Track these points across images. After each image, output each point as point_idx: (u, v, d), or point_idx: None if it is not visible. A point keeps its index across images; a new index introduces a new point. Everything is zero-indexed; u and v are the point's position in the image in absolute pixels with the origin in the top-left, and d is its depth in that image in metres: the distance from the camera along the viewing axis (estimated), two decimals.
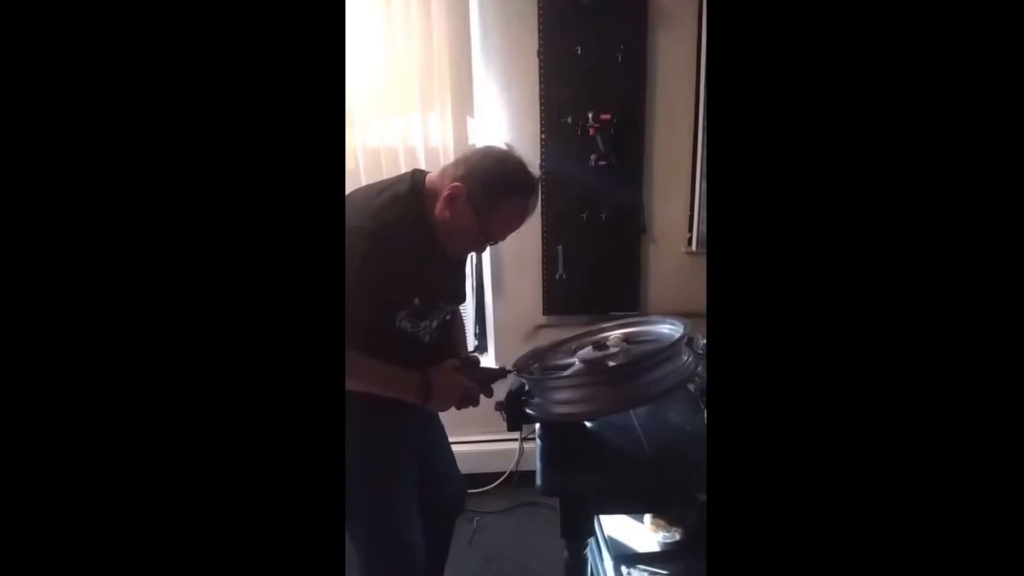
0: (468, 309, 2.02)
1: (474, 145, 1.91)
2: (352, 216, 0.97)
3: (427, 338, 1.12)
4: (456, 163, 1.05)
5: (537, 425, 1.11)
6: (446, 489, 1.33)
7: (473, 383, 1.08)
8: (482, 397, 1.11)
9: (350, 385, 0.94)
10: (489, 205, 1.01)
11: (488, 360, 2.09)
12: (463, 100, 1.90)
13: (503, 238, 1.07)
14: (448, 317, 1.19)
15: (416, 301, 1.05)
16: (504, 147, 1.09)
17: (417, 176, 1.06)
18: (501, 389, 1.11)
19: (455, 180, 1.01)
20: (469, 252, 1.16)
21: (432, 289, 1.09)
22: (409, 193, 1.03)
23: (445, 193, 1.00)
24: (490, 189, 1.00)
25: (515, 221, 1.06)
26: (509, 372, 1.12)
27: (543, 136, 1.89)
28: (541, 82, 1.85)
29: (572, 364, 1.09)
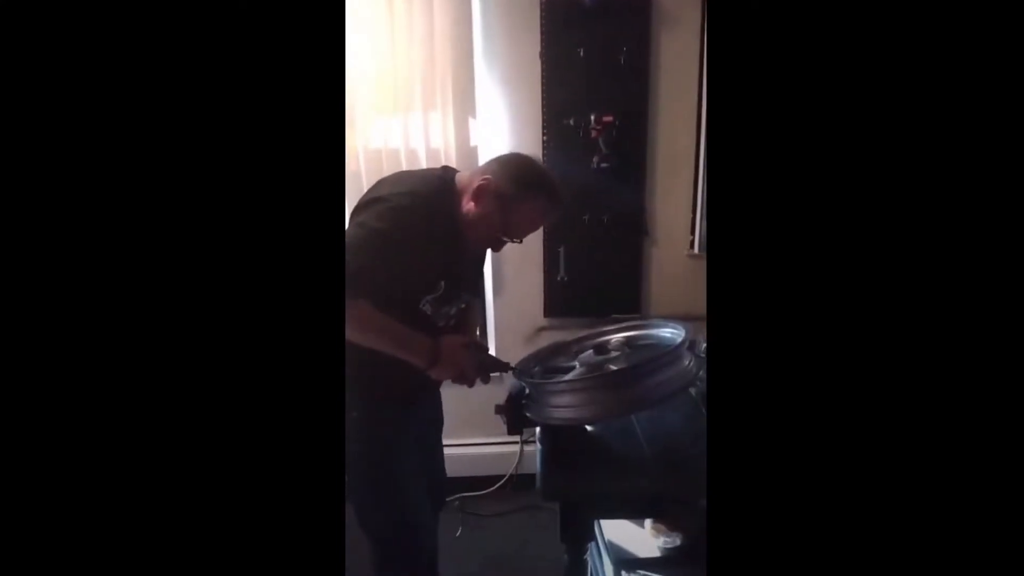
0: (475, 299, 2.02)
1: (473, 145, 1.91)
2: (392, 193, 1.03)
3: (442, 323, 1.14)
4: (487, 162, 1.11)
5: (537, 428, 1.10)
6: (434, 480, 1.34)
7: (476, 365, 1.11)
8: (479, 383, 1.13)
9: (363, 339, 0.98)
10: (516, 200, 1.06)
11: None
12: (465, 102, 1.90)
13: (522, 236, 1.12)
14: (463, 307, 1.20)
15: (442, 285, 1.08)
16: (531, 156, 1.15)
17: (448, 171, 1.12)
18: (501, 392, 1.10)
19: (484, 174, 1.06)
20: (487, 247, 1.20)
21: (456, 277, 1.12)
22: (442, 181, 1.08)
23: (476, 184, 1.05)
24: (518, 184, 1.05)
25: (537, 220, 1.12)
26: (512, 368, 1.12)
27: (545, 138, 1.88)
28: (543, 84, 1.85)
29: (573, 368, 1.08)
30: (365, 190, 1.90)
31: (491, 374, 1.14)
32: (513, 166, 1.08)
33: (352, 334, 0.94)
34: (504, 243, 1.13)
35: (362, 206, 1.05)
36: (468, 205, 1.06)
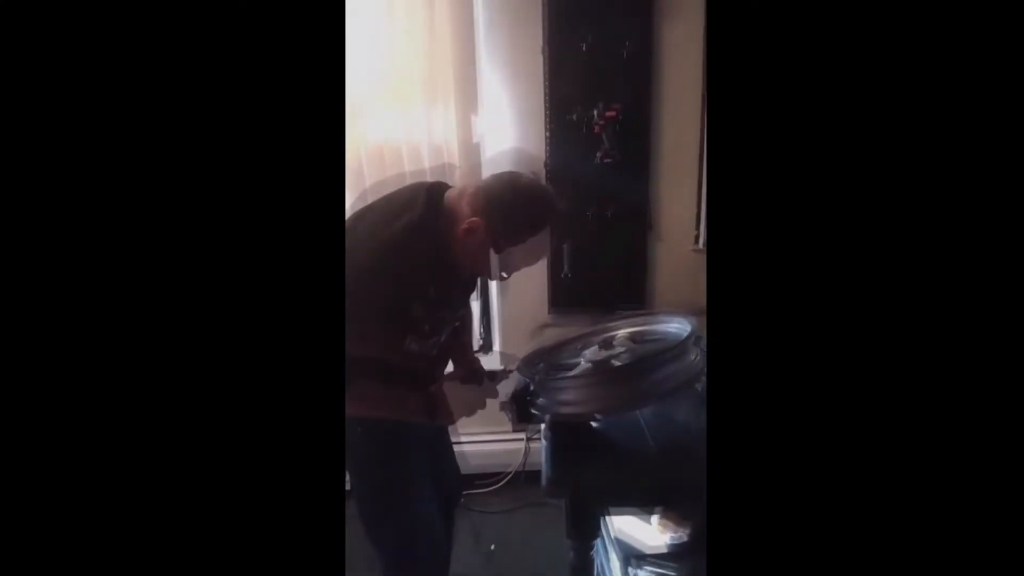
0: (473, 307, 2.01)
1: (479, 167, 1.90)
2: (367, 241, 0.94)
3: (435, 351, 1.12)
4: (477, 192, 0.98)
5: (543, 423, 1.09)
6: (447, 479, 1.33)
7: (477, 391, 1.08)
8: (488, 400, 1.11)
9: (354, 412, 0.91)
10: (509, 242, 0.97)
11: (493, 358, 2.08)
12: (467, 96, 1.88)
13: (518, 270, 1.04)
14: (458, 324, 1.19)
15: (427, 328, 1.04)
16: (531, 176, 1.02)
17: (434, 193, 1.01)
18: (506, 387, 1.10)
19: (474, 212, 0.96)
20: (480, 276, 1.14)
21: (443, 311, 1.08)
22: (423, 218, 0.97)
23: (463, 227, 0.96)
24: (511, 227, 0.96)
25: (531, 260, 1.03)
26: (511, 372, 1.12)
27: (548, 132, 1.87)
28: (546, 77, 1.83)
29: (578, 363, 1.07)
30: (367, 186, 1.89)
31: (496, 386, 1.13)
32: (504, 204, 0.96)
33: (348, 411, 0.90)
34: (498, 276, 1.05)
35: None
36: (460, 241, 0.97)
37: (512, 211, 0.96)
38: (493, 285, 2.06)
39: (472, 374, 1.13)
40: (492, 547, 1.88)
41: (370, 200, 1.08)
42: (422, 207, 0.98)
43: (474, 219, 0.96)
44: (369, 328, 0.91)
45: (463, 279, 1.08)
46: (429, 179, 1.08)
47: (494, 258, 0.99)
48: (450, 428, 1.36)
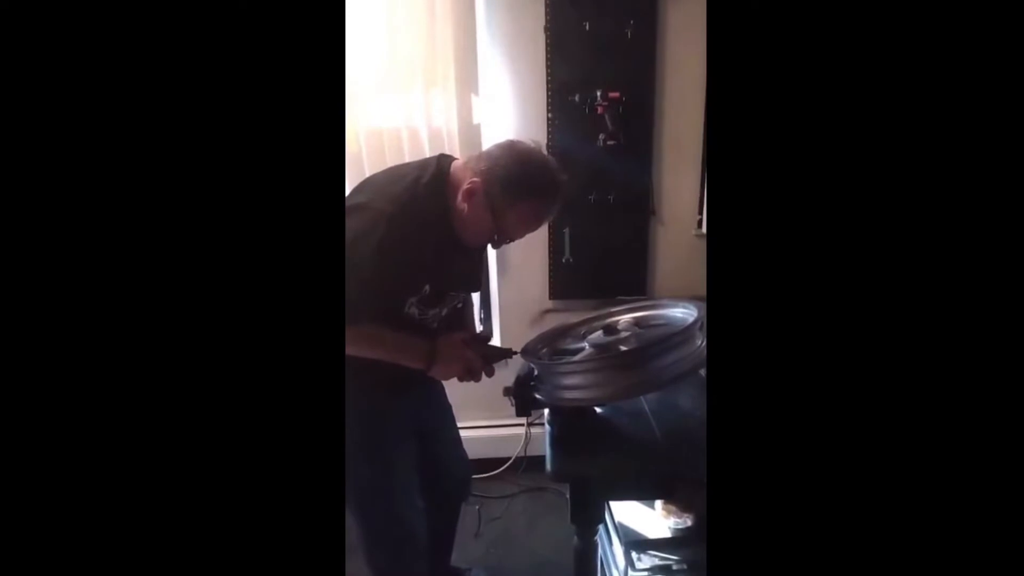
0: (472, 296, 2.00)
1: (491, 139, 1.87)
2: (373, 198, 0.98)
3: (435, 325, 1.10)
4: (480, 156, 1.04)
5: (546, 410, 1.08)
6: (450, 472, 1.32)
7: (479, 358, 1.08)
8: (484, 376, 1.10)
9: (355, 351, 0.96)
10: (504, 204, 1.00)
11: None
12: (468, 78, 1.85)
13: (519, 236, 1.06)
14: (459, 305, 1.17)
15: (426, 289, 1.04)
16: (531, 144, 1.05)
17: (443, 162, 1.05)
18: (509, 374, 1.08)
19: (475, 174, 1.00)
20: (484, 244, 1.14)
21: (445, 278, 1.08)
22: (432, 180, 1.01)
23: (464, 187, 1.00)
24: (506, 189, 0.99)
25: (531, 223, 1.05)
26: (515, 353, 1.10)
27: (550, 115, 1.84)
28: (548, 59, 1.80)
29: (582, 349, 1.06)
30: (366, 172, 1.87)
31: (496, 363, 1.12)
32: (504, 167, 0.99)
33: (348, 350, 0.91)
34: (501, 242, 1.07)
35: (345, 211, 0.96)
36: (460, 205, 1.00)
37: (508, 173, 0.99)
38: (493, 275, 2.04)
39: (478, 341, 1.12)
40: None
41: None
42: (431, 171, 1.02)
43: (474, 179, 0.99)
44: (368, 281, 0.92)
45: (466, 245, 1.08)
46: None
47: (493, 222, 1.01)
48: (453, 416, 1.35)
